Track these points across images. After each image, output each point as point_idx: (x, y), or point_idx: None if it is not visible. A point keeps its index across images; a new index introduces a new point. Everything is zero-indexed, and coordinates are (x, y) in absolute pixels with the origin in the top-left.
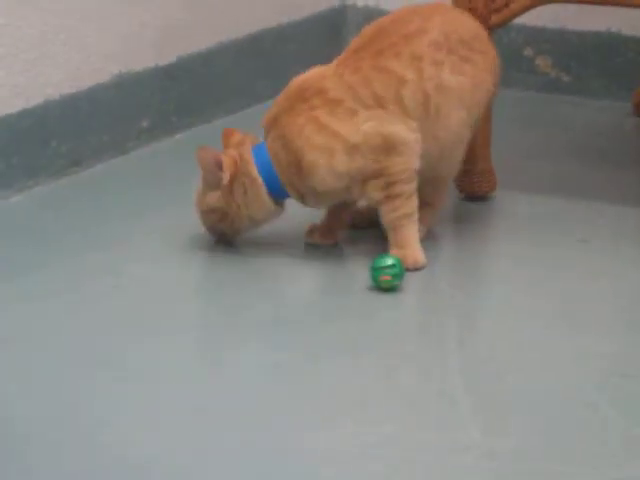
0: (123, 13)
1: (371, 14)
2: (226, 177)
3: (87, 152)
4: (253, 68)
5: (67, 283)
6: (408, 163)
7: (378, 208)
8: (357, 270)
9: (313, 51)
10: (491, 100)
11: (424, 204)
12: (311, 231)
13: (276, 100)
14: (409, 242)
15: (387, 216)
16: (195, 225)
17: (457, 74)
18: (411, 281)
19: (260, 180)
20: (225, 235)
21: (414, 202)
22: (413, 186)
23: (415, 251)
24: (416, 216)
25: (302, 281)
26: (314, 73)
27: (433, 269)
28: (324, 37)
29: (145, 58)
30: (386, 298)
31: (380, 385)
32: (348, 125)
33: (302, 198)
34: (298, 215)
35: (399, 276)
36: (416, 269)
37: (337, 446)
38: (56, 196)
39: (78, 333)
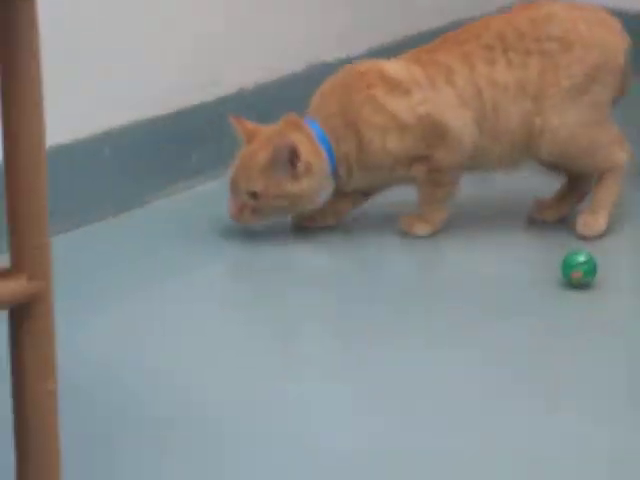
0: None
1: None
2: (303, 166)
3: None
4: None
5: None
6: (454, 157)
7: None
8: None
9: None
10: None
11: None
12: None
13: (328, 80)
14: (430, 212)
15: (424, 194)
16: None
17: (516, 69)
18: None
19: (326, 159)
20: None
21: (451, 191)
22: (455, 177)
23: (424, 223)
24: (448, 202)
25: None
26: (366, 61)
27: None
28: None
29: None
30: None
31: None
32: (404, 104)
33: (349, 175)
34: None
35: (591, 273)
36: (413, 235)
37: None
38: None
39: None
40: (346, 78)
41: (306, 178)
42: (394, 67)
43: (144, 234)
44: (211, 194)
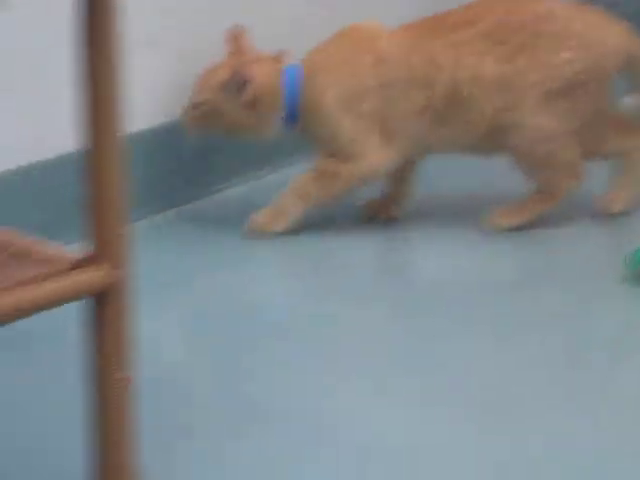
0: None
1: None
2: (250, 96)
3: None
4: None
5: None
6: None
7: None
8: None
9: None
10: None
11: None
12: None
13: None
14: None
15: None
16: None
17: (504, 63)
18: None
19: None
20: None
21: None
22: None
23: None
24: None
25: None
26: (369, 24)
27: None
28: None
29: None
30: None
31: None
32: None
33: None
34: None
35: None
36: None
37: None
38: None
39: None
40: (344, 36)
41: (251, 111)
42: (387, 41)
43: (213, 222)
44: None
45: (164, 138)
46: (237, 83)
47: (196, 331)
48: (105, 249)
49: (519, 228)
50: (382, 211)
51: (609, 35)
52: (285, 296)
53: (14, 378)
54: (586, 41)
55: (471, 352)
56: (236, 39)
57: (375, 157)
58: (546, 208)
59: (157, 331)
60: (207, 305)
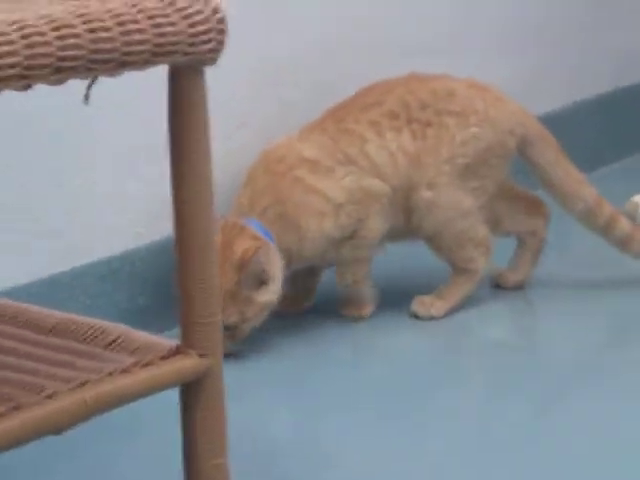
0: None
1: None
2: (267, 275)
3: None
4: None
5: None
6: (382, 224)
7: (338, 268)
8: None
9: None
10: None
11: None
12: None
13: (248, 175)
14: (364, 302)
15: (346, 278)
16: None
17: (418, 139)
18: None
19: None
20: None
21: (368, 265)
22: (372, 251)
23: (367, 308)
24: (368, 276)
25: None
26: (279, 143)
27: None
28: None
29: None
30: None
31: None
32: (330, 183)
33: (289, 263)
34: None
35: None
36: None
37: None
38: None
39: None
40: (266, 166)
41: (272, 284)
42: (309, 147)
43: None
44: None
45: None
46: (255, 272)
47: None
48: (193, 337)
49: (447, 314)
50: (292, 305)
51: (508, 112)
52: None
53: (119, 463)
54: (488, 118)
55: None
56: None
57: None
58: (471, 288)
59: None
60: None
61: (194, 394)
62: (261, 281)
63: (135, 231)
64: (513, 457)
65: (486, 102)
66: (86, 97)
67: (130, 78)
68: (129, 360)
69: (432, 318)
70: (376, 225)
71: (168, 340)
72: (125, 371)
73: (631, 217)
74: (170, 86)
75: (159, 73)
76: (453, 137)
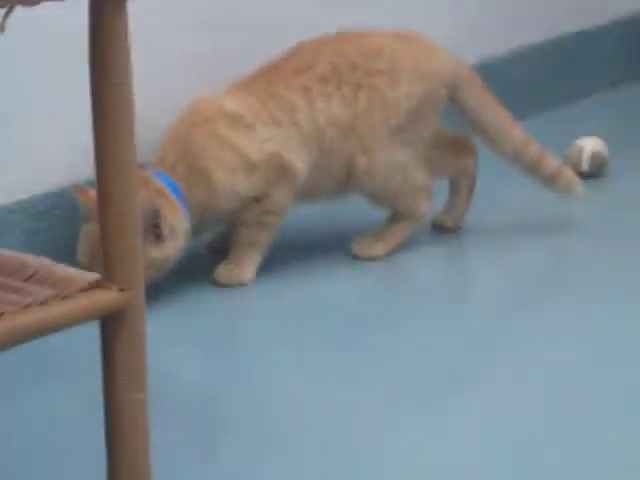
0: None
1: None
2: (167, 229)
3: None
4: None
5: None
6: (289, 198)
7: (238, 225)
8: None
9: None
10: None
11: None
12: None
13: (169, 126)
14: (244, 262)
15: (241, 237)
16: None
17: (348, 105)
18: None
19: (184, 214)
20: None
21: (270, 235)
22: (279, 220)
23: (244, 271)
24: (263, 248)
25: None
26: (204, 97)
27: None
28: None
29: None
30: None
31: None
32: (249, 141)
33: (201, 223)
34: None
35: None
36: (236, 285)
37: None
38: None
39: None
40: (183, 118)
41: (171, 241)
42: (233, 101)
43: None
44: None
45: None
46: (148, 221)
47: None
48: (114, 272)
49: (387, 255)
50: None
51: (437, 63)
52: None
53: (35, 395)
54: (419, 73)
55: None
56: (86, 196)
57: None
58: (408, 232)
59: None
60: None
61: (114, 328)
62: (155, 235)
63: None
64: (447, 394)
65: (415, 56)
66: (1, 27)
67: None
68: (48, 293)
69: (372, 259)
70: (283, 198)
71: (91, 274)
72: (43, 304)
73: (576, 161)
74: (90, 19)
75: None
76: (385, 98)
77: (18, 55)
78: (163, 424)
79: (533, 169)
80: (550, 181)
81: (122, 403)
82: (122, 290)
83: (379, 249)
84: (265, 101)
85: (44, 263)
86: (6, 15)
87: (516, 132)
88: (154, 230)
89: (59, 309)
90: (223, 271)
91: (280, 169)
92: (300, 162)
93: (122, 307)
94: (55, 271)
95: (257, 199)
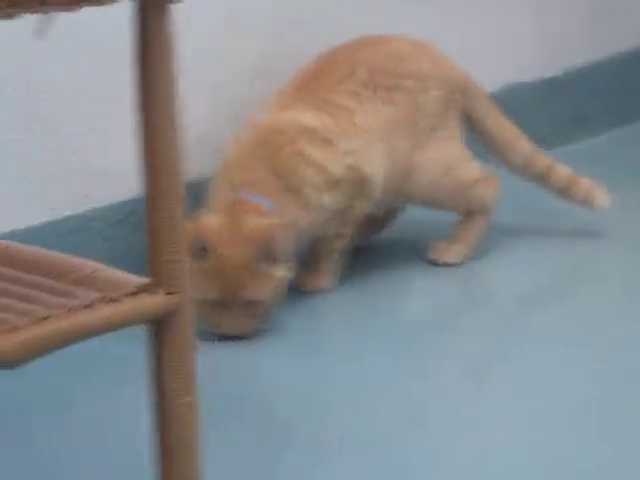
0: None
1: None
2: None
3: None
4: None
5: None
6: (368, 208)
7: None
8: None
9: None
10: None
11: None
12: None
13: (244, 147)
14: (324, 270)
15: (320, 247)
16: None
17: (388, 106)
18: None
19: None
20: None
21: (346, 240)
22: (354, 228)
23: (326, 278)
24: (340, 254)
25: None
26: (280, 116)
27: None
28: None
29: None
30: None
31: None
32: (330, 156)
33: (298, 239)
34: None
35: None
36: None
37: None
38: None
39: None
40: (265, 138)
41: (286, 260)
42: (307, 116)
43: None
44: None
45: None
46: (269, 248)
47: None
48: (162, 276)
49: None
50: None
51: (453, 70)
52: None
53: (83, 397)
54: (440, 78)
55: None
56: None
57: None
58: (486, 226)
59: None
60: None
61: (161, 332)
62: (274, 258)
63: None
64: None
65: (434, 62)
66: (40, 32)
67: None
68: (95, 296)
69: (448, 264)
70: (364, 208)
71: (140, 278)
72: (89, 306)
73: None
74: (135, 25)
75: None
76: (415, 101)
77: (100, 65)
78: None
79: (543, 180)
80: (564, 192)
81: (172, 407)
82: (169, 294)
83: (455, 253)
84: (330, 112)
85: (94, 266)
86: (44, 22)
87: (524, 143)
88: (276, 253)
89: (105, 312)
90: (305, 279)
91: (360, 182)
92: (377, 173)
93: (170, 311)
94: (104, 275)
95: (341, 212)
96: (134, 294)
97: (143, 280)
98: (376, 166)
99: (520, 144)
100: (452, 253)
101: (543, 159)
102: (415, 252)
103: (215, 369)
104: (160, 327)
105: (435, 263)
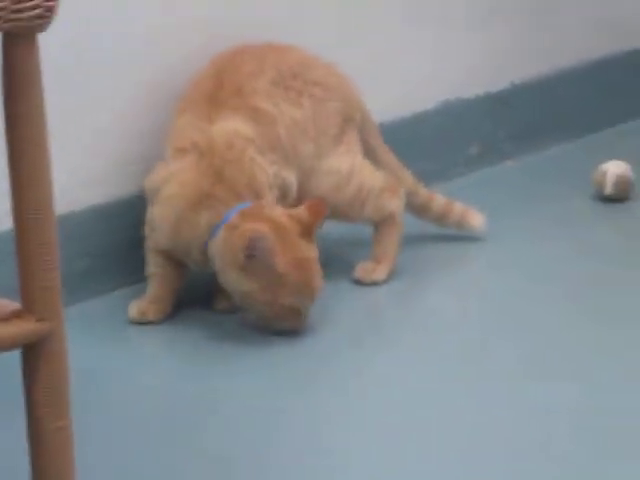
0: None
1: None
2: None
3: None
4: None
5: None
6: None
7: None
8: None
9: None
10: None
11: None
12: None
13: (207, 167)
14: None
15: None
16: None
17: (298, 108)
18: None
19: None
20: None
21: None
22: None
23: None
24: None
25: None
26: (220, 130)
27: None
28: None
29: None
30: None
31: None
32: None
33: None
34: None
35: None
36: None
37: None
38: None
39: None
40: (221, 155)
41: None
42: (240, 125)
43: None
44: None
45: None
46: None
47: None
48: (32, 303)
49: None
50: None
51: (354, 89)
52: None
53: None
54: (343, 92)
55: None
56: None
57: None
58: (399, 235)
59: None
60: None
61: (33, 358)
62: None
63: None
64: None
65: (338, 77)
66: None
67: None
68: None
69: (374, 283)
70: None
71: (14, 305)
72: None
73: (600, 185)
74: (3, 55)
75: None
76: (321, 108)
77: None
78: None
79: (424, 211)
80: (440, 219)
81: (45, 432)
82: (40, 320)
83: (380, 272)
84: (254, 118)
85: None
86: None
87: (407, 174)
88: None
89: None
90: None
91: (282, 188)
92: (292, 181)
93: (41, 337)
94: None
95: None
96: (5, 320)
97: (15, 306)
98: (293, 176)
99: (404, 175)
100: (377, 272)
101: (423, 191)
102: (338, 271)
103: None
104: (31, 353)
105: (361, 283)
